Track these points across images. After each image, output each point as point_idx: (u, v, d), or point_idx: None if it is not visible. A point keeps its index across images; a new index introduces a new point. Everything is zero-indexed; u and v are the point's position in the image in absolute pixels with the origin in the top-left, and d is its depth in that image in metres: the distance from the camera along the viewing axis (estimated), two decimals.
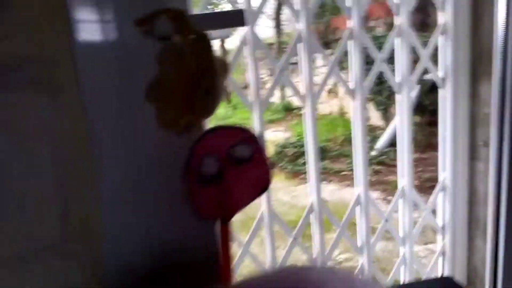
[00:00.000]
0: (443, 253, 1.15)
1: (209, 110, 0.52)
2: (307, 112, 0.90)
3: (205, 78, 0.48)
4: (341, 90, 5.21)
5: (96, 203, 0.58)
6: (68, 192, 0.58)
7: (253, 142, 0.48)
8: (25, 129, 0.54)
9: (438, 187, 1.08)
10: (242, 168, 0.47)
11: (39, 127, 0.54)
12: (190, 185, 0.46)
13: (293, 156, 4.13)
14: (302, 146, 4.36)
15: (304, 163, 3.94)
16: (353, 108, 0.96)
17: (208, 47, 0.48)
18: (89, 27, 0.51)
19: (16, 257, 0.57)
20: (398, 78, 1.00)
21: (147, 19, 0.49)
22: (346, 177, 3.57)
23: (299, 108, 6.44)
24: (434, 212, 1.13)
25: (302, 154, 4.08)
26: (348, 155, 3.97)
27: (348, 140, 4.46)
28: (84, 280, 0.60)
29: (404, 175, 1.05)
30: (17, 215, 0.56)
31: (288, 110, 6.56)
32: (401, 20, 0.96)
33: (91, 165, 0.58)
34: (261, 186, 0.49)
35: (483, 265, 1.05)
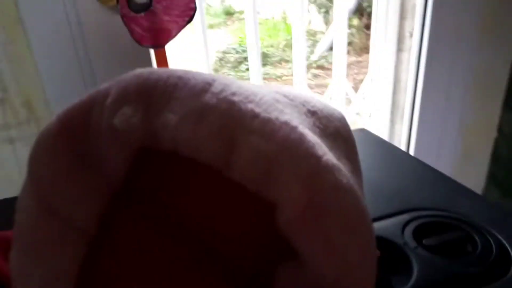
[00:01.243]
0: None
1: None
2: (248, 14, 0.90)
3: None
4: None
5: (38, 85, 0.58)
6: (4, 74, 0.56)
7: None
8: None
9: (367, 77, 1.18)
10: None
11: None
12: (124, 13, 0.50)
13: (235, 62, 4.09)
14: (244, 51, 4.29)
15: (247, 69, 3.94)
16: (293, 9, 0.97)
17: None
18: None
19: None
20: None
21: None
22: (287, 82, 3.66)
23: (241, 12, 6.17)
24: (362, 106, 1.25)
25: (244, 59, 4.04)
26: (289, 60, 4.02)
27: (289, 45, 4.46)
28: None
29: (337, 65, 1.12)
30: None
31: (229, 14, 6.26)
32: None
33: (24, 45, 0.55)
34: (188, 16, 0.57)
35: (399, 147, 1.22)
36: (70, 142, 0.18)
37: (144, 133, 0.17)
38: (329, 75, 3.63)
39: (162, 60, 0.53)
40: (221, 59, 4.10)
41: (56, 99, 0.57)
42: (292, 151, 0.17)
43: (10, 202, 0.50)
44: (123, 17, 0.49)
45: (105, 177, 0.18)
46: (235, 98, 0.17)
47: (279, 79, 3.66)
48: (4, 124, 0.59)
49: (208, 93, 0.18)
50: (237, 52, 4.16)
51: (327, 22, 4.49)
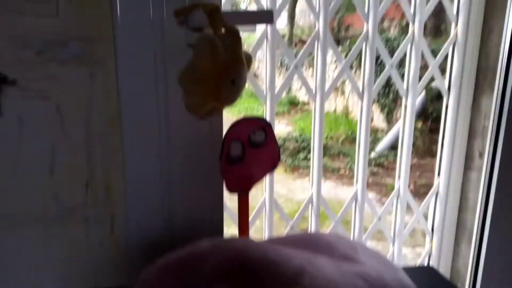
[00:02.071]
0: (429, 255, 1.21)
1: (232, 99, 0.57)
2: (316, 108, 0.95)
3: (233, 69, 0.53)
4: (347, 89, 5.24)
5: (119, 173, 0.64)
6: (95, 161, 0.63)
7: (267, 128, 0.60)
8: (63, 99, 0.59)
9: (431, 191, 1.14)
10: (258, 150, 0.59)
11: (76, 99, 0.60)
12: (223, 166, 0.56)
13: (293, 151, 4.18)
14: (303, 141, 4.41)
15: (304, 158, 3.99)
16: (360, 109, 1.01)
17: (239, 41, 0.53)
18: (131, 11, 0.56)
19: (42, 216, 0.63)
20: (405, 83, 1.05)
21: (185, 10, 0.54)
22: (343, 176, 3.63)
23: (304, 104, 6.47)
24: (425, 216, 1.19)
25: (302, 149, 4.14)
26: (348, 154, 4.02)
27: (349, 140, 4.51)
28: (103, 244, 0.66)
29: (400, 177, 1.10)
30: (46, 177, 0.62)
31: (293, 104, 6.59)
32: (416, 28, 1.00)
33: (118, 139, 0.63)
34: (272, 164, 0.62)
35: (465, 269, 1.11)
36: None
37: None
38: (389, 175, 3.55)
39: (244, 202, 0.57)
40: (280, 146, 4.22)
41: (133, 189, 0.63)
42: None
43: None
44: (221, 169, 0.55)
45: None
46: None
47: (336, 172, 3.64)
48: (83, 204, 0.65)
49: (297, 286, 0.19)
50: (297, 141, 4.29)
51: (389, 121, 4.53)
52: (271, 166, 0.61)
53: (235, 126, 0.57)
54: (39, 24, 0.56)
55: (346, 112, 5.45)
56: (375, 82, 1.00)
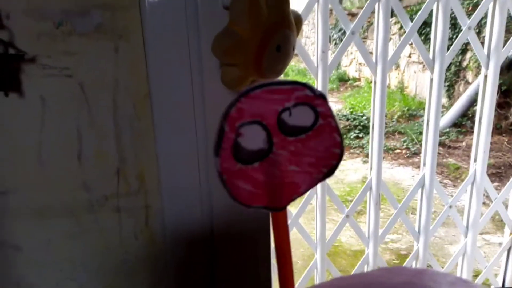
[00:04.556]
0: (509, 249, 1.05)
1: (277, 70, 0.47)
2: (377, 81, 0.82)
3: (278, 33, 0.43)
4: (402, 61, 4.89)
5: (152, 160, 0.57)
6: (126, 146, 0.57)
7: (317, 104, 0.34)
8: (87, 77, 0.53)
9: None
10: (299, 139, 0.34)
11: (101, 77, 0.53)
12: (226, 164, 0.32)
13: (344, 129, 4.00)
14: (355, 119, 4.21)
15: (356, 137, 3.81)
16: (430, 81, 0.86)
17: None
18: None
19: (71, 207, 0.58)
20: (486, 50, 0.88)
21: None
22: (399, 155, 3.40)
23: (354, 80, 6.17)
24: (505, 204, 1.03)
25: (354, 127, 3.93)
26: (404, 133, 3.77)
27: (405, 117, 4.22)
28: (138, 237, 0.61)
29: (477, 160, 0.94)
30: (74, 164, 0.56)
31: (343, 80, 6.31)
32: None
33: (149, 121, 0.56)
34: (326, 165, 0.35)
35: None
36: None
37: None
38: (450, 154, 3.26)
39: (280, 226, 0.34)
40: None
41: (167, 175, 0.56)
42: None
43: None
44: (222, 174, 0.31)
45: None
46: None
47: (391, 151, 3.42)
48: (115, 193, 0.59)
49: None
50: (348, 119, 4.08)
51: (450, 96, 4.16)
52: (325, 164, 0.35)
53: (246, 98, 0.32)
54: None
55: (401, 87, 5.12)
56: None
